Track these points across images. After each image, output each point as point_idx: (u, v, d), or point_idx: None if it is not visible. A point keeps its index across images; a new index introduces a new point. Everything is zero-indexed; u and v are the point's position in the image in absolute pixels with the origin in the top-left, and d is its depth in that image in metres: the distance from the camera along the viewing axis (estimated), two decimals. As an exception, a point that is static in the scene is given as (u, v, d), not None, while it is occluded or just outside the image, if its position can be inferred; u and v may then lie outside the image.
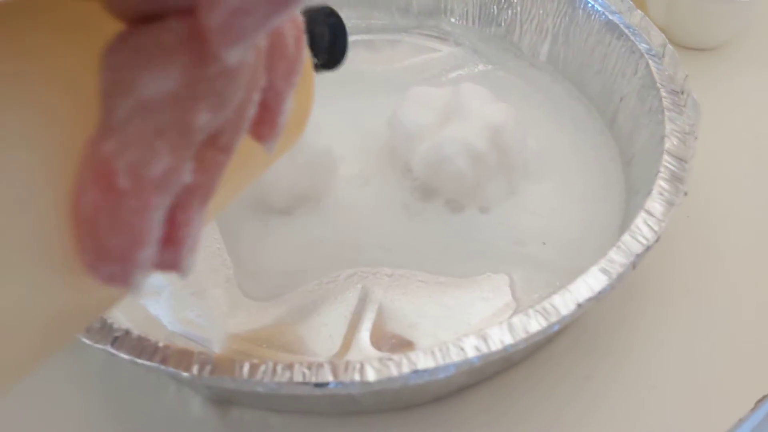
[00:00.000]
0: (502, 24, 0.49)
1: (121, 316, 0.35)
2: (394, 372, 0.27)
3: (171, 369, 0.28)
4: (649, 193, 0.33)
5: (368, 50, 0.50)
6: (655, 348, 0.35)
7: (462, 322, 0.35)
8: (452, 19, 0.50)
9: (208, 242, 0.39)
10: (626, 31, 0.42)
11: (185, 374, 0.28)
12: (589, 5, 0.44)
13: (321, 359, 0.33)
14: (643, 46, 0.40)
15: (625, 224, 0.37)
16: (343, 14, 0.51)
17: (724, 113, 0.44)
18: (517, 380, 0.34)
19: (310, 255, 0.38)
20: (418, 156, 0.38)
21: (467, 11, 0.50)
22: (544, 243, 0.38)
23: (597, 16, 0.43)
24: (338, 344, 0.35)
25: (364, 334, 0.35)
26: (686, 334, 0.35)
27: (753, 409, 0.33)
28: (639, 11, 0.42)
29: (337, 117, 0.43)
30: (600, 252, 0.34)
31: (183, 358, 0.28)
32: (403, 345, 0.34)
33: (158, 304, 0.36)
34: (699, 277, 0.37)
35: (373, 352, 0.34)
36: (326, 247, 0.38)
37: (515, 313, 0.35)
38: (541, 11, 0.46)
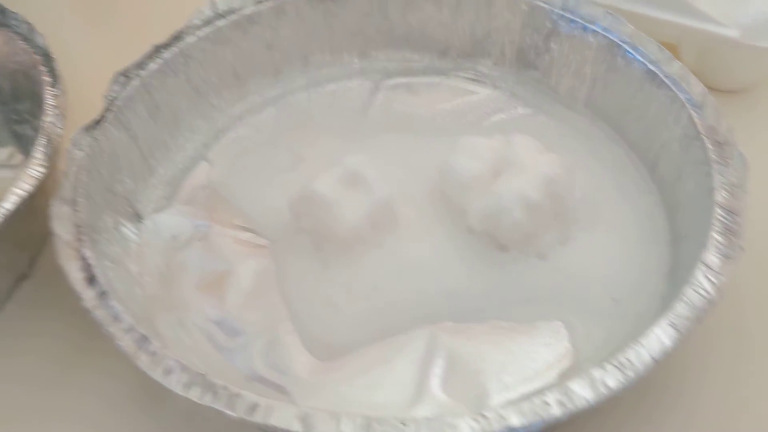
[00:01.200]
0: (539, 68, 0.50)
1: (199, 363, 0.37)
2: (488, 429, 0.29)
3: (260, 421, 0.29)
4: (703, 245, 0.35)
5: (409, 93, 0.52)
6: (719, 400, 0.37)
7: (526, 368, 0.37)
8: (489, 62, 0.52)
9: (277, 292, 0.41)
10: (666, 80, 0.43)
11: (285, 429, 0.29)
12: (629, 54, 0.45)
13: (395, 408, 0.35)
14: (683, 96, 0.42)
15: (674, 271, 0.39)
16: (383, 56, 0.54)
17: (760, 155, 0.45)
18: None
19: (374, 303, 0.39)
20: (476, 208, 0.40)
21: (504, 54, 0.52)
22: (598, 288, 0.39)
23: (636, 64, 0.45)
24: (410, 391, 0.36)
25: (434, 381, 0.36)
26: (750, 386, 0.37)
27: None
28: (677, 61, 0.44)
29: (389, 161, 0.45)
30: (652, 298, 0.36)
31: (273, 410, 0.30)
32: (473, 391, 0.36)
33: (233, 352, 0.38)
34: (761, 330, 0.39)
35: (445, 398, 0.36)
36: (390, 296, 0.39)
37: (577, 360, 0.37)
38: (579, 57, 0.48)
